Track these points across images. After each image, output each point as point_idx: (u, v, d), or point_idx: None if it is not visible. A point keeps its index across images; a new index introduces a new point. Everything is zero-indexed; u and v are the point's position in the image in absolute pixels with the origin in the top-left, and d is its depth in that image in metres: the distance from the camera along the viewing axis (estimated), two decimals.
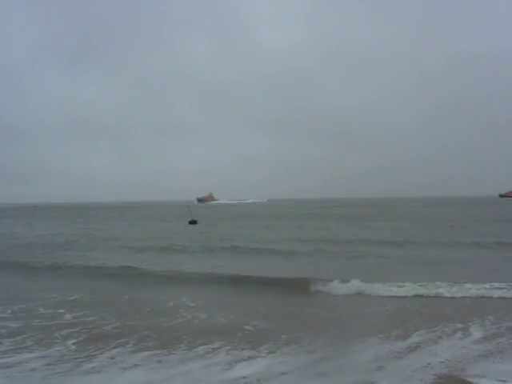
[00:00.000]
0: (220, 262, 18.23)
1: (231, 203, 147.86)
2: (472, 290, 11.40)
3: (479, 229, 30.15)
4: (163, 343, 7.54)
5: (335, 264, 17.31)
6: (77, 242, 27.01)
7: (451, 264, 16.61)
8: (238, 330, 8.30)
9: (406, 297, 11.18)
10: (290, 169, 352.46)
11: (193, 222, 41.58)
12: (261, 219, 50.88)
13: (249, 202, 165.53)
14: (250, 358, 6.74)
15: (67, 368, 6.38)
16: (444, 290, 11.49)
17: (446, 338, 7.59)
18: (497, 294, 11.08)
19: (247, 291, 12.38)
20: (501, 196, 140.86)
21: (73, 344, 7.59)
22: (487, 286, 11.61)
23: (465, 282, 11.92)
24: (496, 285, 11.69)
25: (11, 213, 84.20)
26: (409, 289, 11.68)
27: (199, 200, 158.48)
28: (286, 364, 6.43)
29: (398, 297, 11.21)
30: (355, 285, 12.04)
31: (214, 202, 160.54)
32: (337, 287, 12.05)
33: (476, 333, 7.87)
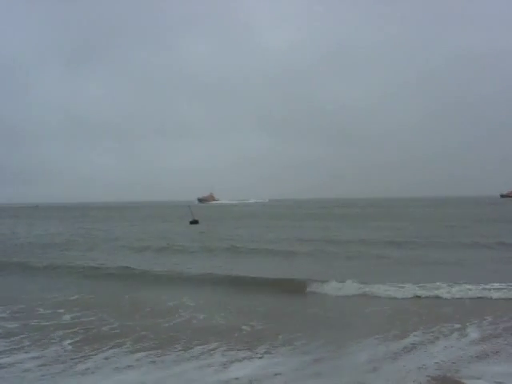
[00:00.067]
0: (219, 263, 18.23)
1: (232, 203, 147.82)
2: (472, 290, 11.35)
3: (480, 229, 30.08)
4: (160, 344, 7.53)
5: (335, 264, 17.29)
6: (77, 242, 27.04)
7: (451, 264, 16.57)
8: (235, 331, 8.30)
9: (404, 297, 11.14)
10: (291, 169, 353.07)
11: (194, 222, 41.57)
12: (261, 219, 50.86)
13: (251, 201, 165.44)
14: (245, 358, 6.73)
15: (61, 369, 6.37)
16: (444, 290, 11.43)
17: (443, 339, 7.56)
18: (496, 294, 11.02)
19: (245, 292, 12.36)
20: (502, 196, 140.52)
21: (69, 344, 7.58)
22: (487, 286, 11.57)
23: (465, 283, 11.88)
24: (496, 285, 11.65)
25: (12, 213, 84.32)
26: (408, 289, 11.63)
27: (200, 200, 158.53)
28: (281, 365, 6.41)
29: (396, 297, 11.17)
30: (354, 285, 12.01)
31: (214, 201, 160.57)
32: (335, 288, 12.00)
33: (473, 333, 7.84)
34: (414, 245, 22.50)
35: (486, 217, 44.34)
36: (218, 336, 7.93)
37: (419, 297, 11.13)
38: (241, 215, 62.55)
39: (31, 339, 7.86)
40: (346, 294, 11.62)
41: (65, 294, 12.00)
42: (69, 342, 7.73)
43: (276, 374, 6.08)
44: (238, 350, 7.17)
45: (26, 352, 7.17)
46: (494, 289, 11.37)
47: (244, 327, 8.53)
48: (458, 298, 10.90)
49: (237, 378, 5.94)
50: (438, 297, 11.09)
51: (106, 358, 6.82)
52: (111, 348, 7.34)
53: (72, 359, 6.80)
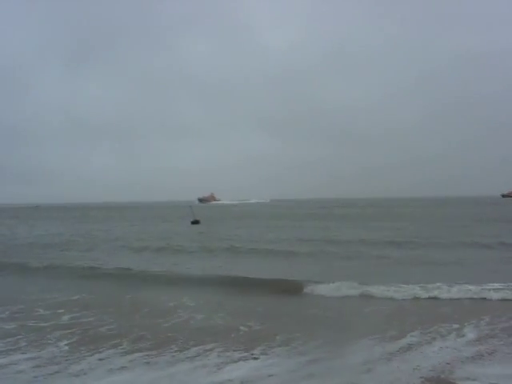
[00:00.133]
0: (219, 263, 18.23)
1: (232, 203, 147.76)
2: (472, 290, 11.32)
3: (480, 229, 30.02)
4: (156, 344, 7.52)
5: (335, 264, 17.29)
6: (77, 242, 27.06)
7: (451, 264, 16.54)
8: (232, 331, 8.28)
9: (404, 298, 11.10)
10: (291, 169, 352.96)
11: (195, 222, 41.68)
12: (261, 219, 50.83)
13: (252, 202, 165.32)
14: (240, 359, 6.71)
15: (54, 370, 6.35)
16: (443, 290, 11.42)
17: (440, 340, 7.54)
18: (496, 294, 10.99)
19: (244, 292, 12.34)
20: (503, 196, 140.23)
21: (65, 345, 7.57)
22: (487, 286, 11.53)
23: (465, 283, 11.84)
24: (496, 285, 11.62)
25: (13, 213, 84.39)
26: (407, 289, 11.59)
27: (200, 200, 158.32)
28: (275, 366, 6.39)
29: (396, 298, 11.13)
30: (354, 286, 11.98)
31: (214, 202, 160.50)
32: (334, 288, 11.98)
33: (470, 334, 7.81)
34: (414, 245, 22.47)
35: (487, 216, 44.24)
36: (215, 336, 7.92)
37: (418, 297, 11.09)
38: (241, 215, 62.52)
39: (28, 340, 7.85)
40: (345, 295, 11.59)
41: (65, 295, 12.01)
42: (65, 342, 7.72)
43: (269, 376, 6.05)
44: (234, 350, 7.15)
45: (23, 353, 7.15)
46: (493, 289, 11.33)
47: (242, 328, 8.51)
48: (457, 299, 10.88)
49: (230, 380, 5.91)
50: (437, 297, 11.06)
51: (101, 359, 6.80)
52: (108, 349, 7.32)
53: (67, 360, 6.78)
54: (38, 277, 15.77)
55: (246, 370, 6.25)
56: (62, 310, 10.06)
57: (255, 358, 6.77)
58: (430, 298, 11.04)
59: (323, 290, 12.03)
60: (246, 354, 6.98)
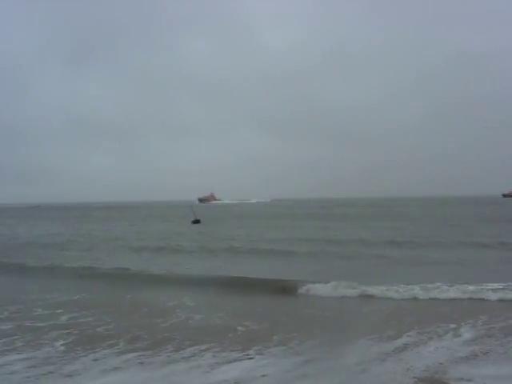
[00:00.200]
0: (218, 263, 18.24)
1: (232, 203, 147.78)
2: (471, 290, 11.28)
3: (480, 229, 29.97)
4: (152, 344, 7.50)
5: (335, 264, 17.28)
6: (77, 242, 27.09)
7: (451, 264, 16.52)
8: (229, 331, 8.27)
9: (403, 298, 11.08)
10: (292, 169, 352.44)
11: (196, 222, 41.81)
12: (261, 219, 50.84)
13: (252, 201, 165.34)
14: (236, 359, 6.69)
15: (48, 370, 6.33)
16: (443, 290, 11.39)
17: (436, 340, 7.51)
18: (496, 295, 10.96)
19: (243, 292, 12.34)
20: (504, 196, 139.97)
21: (61, 345, 7.54)
22: (487, 286, 11.50)
23: (464, 283, 11.81)
24: (496, 285, 11.59)
25: (14, 213, 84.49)
26: (407, 289, 11.57)
27: (200, 200, 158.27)
28: (270, 366, 6.36)
29: (395, 298, 11.11)
30: (353, 286, 11.95)
31: (215, 201, 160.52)
32: (333, 288, 11.95)
33: (466, 334, 7.79)
34: (414, 244, 22.45)
35: (487, 216, 44.15)
36: (212, 336, 7.90)
37: (417, 297, 11.06)
38: (241, 215, 62.53)
39: (24, 340, 7.83)
40: (344, 295, 11.57)
41: (64, 295, 12.01)
42: (61, 342, 7.70)
43: (263, 376, 6.04)
44: (231, 350, 7.13)
45: (18, 353, 7.13)
46: (493, 289, 11.30)
47: (239, 328, 8.50)
48: (456, 299, 10.85)
49: (225, 380, 5.88)
50: (436, 297, 11.03)
51: (95, 360, 6.78)
52: (103, 349, 7.31)
53: (61, 360, 6.76)
54: (37, 276, 15.79)
55: (241, 370, 6.22)
56: (61, 310, 10.06)
57: (250, 358, 6.75)
58: (429, 297, 11.01)
59: (321, 289, 12.00)
60: (241, 354, 6.96)
